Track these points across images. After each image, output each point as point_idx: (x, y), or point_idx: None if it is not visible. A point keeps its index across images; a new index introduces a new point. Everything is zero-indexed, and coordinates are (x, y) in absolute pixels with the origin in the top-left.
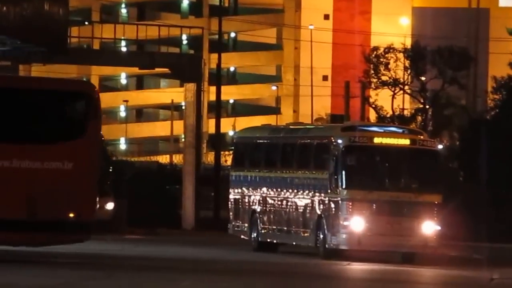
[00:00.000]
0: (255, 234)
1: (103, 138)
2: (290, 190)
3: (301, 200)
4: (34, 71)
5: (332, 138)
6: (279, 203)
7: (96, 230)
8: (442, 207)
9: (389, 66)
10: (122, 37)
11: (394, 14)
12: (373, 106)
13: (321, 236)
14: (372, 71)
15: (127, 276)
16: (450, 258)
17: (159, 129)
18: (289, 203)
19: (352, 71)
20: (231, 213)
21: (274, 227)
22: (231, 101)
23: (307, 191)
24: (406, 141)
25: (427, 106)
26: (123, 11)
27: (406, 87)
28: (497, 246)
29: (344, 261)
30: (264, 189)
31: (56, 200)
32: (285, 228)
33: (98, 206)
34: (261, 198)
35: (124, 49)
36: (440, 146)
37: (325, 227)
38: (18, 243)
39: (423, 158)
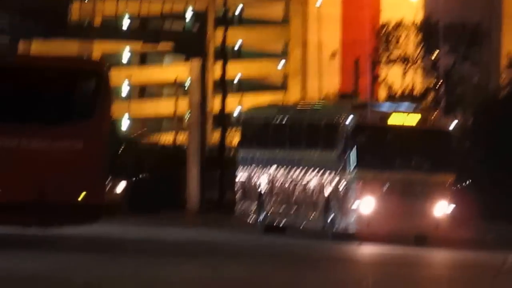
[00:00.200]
0: (262, 216)
1: (113, 118)
2: (298, 171)
3: (310, 181)
4: (34, 48)
5: (341, 116)
6: (287, 184)
7: (105, 212)
8: (455, 188)
9: (400, 42)
10: (125, 13)
11: None
12: (383, 83)
13: (330, 218)
14: (382, 48)
15: (130, 260)
16: (463, 240)
17: (163, 107)
18: (297, 184)
19: (362, 47)
20: (238, 195)
21: (282, 209)
22: (237, 78)
23: (315, 172)
24: (417, 120)
25: (439, 84)
26: None
27: (418, 64)
28: (511, 227)
29: (353, 243)
30: (272, 169)
31: (65, 181)
32: (293, 210)
33: (108, 187)
34: (268, 179)
35: (127, 24)
36: (452, 125)
37: (334, 208)
38: (26, 225)
39: (435, 137)
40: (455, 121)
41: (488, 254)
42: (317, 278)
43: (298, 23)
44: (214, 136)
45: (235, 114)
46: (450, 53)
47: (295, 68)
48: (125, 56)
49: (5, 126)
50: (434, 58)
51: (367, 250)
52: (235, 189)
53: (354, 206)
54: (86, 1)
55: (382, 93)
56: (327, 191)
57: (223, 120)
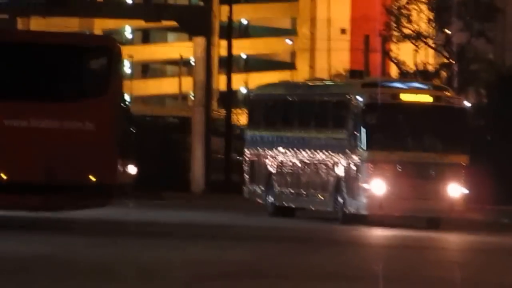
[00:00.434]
0: (271, 198)
1: (125, 96)
2: (308, 151)
3: (319, 161)
4: (33, 24)
5: (351, 95)
6: (296, 164)
7: (118, 193)
8: (469, 169)
9: (412, 19)
10: None
11: None
12: (395, 61)
13: (340, 200)
14: (394, 24)
15: (131, 244)
16: (478, 223)
17: (166, 86)
18: (306, 165)
19: (372, 23)
20: (246, 176)
21: (291, 190)
22: (243, 56)
23: (325, 152)
24: (430, 98)
25: (452, 61)
26: None
27: (430, 41)
28: None
29: (363, 226)
30: (281, 149)
31: (75, 162)
32: (303, 192)
33: (120, 169)
34: (277, 160)
35: (129, 0)
36: (466, 103)
37: (344, 190)
38: (35, 207)
39: (449, 116)
40: (469, 100)
41: (503, 237)
42: (324, 261)
43: None
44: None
45: (242, 93)
46: (463, 30)
47: (304, 45)
48: (127, 33)
49: (13, 105)
50: (447, 35)
51: (378, 233)
52: (244, 169)
53: (365, 188)
54: None
55: (394, 70)
56: (337, 172)
57: (229, 99)
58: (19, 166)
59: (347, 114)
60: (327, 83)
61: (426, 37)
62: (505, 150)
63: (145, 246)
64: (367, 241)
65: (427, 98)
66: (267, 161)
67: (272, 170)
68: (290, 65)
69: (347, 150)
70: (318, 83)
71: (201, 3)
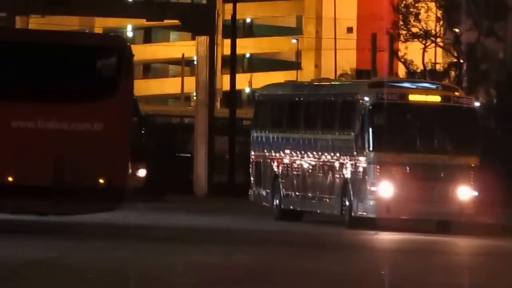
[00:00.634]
0: (277, 201)
1: (135, 97)
2: (314, 153)
3: (326, 163)
4: (32, 23)
5: (358, 95)
6: (303, 166)
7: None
8: (479, 170)
9: (420, 17)
10: None
11: None
12: (402, 60)
13: (347, 203)
14: (401, 22)
15: (131, 248)
16: (489, 226)
17: (169, 86)
18: (313, 167)
19: (380, 22)
20: (252, 178)
21: (298, 193)
22: (247, 55)
23: (332, 154)
24: (439, 98)
25: (462, 60)
26: None
27: (438, 40)
28: None
29: (371, 230)
30: (287, 151)
31: (85, 164)
32: (309, 195)
33: (130, 171)
34: (283, 161)
35: None
36: (476, 104)
37: (351, 193)
38: (43, 211)
39: (458, 117)
40: (479, 100)
41: None
42: (331, 266)
43: None
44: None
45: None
46: (473, 28)
47: (309, 44)
48: (129, 32)
49: (20, 106)
50: (456, 34)
51: (386, 237)
52: (250, 172)
53: (372, 190)
54: None
55: (401, 70)
56: (344, 174)
57: (233, 99)
58: (27, 169)
59: (354, 114)
60: (333, 83)
61: (434, 36)
62: None
63: (147, 250)
64: (375, 245)
65: (435, 98)
66: (273, 162)
67: (279, 172)
68: (295, 65)
69: (354, 152)
70: (324, 83)
71: (204, 1)
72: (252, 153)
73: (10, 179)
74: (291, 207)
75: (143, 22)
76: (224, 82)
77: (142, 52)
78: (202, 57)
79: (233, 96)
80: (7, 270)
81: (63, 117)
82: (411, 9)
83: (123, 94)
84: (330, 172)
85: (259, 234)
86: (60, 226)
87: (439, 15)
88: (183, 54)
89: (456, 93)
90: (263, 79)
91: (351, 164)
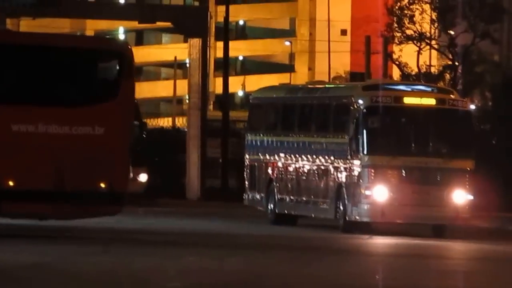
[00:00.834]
0: (272, 205)
1: (136, 101)
2: (308, 156)
3: (320, 167)
4: (23, 25)
5: (352, 98)
6: (297, 170)
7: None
8: (475, 174)
9: (414, 19)
10: None
11: None
12: (397, 62)
13: (341, 207)
14: (396, 25)
15: (124, 252)
16: (484, 231)
17: (161, 89)
18: (307, 171)
19: (374, 24)
20: (246, 182)
21: (292, 197)
22: (240, 57)
23: (326, 157)
24: (434, 101)
25: (457, 63)
26: None
27: (433, 42)
28: None
29: (365, 234)
30: (282, 155)
31: (85, 168)
32: (304, 199)
33: (131, 176)
34: (278, 165)
35: (122, 0)
36: (472, 107)
37: (345, 197)
38: (44, 216)
39: (453, 120)
40: (474, 103)
41: (510, 245)
42: (325, 271)
43: None
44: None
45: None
46: (468, 31)
47: (303, 46)
48: (120, 34)
49: (21, 109)
50: (451, 36)
51: (380, 242)
52: (244, 176)
53: (366, 194)
54: None
55: (396, 72)
56: (338, 178)
57: (226, 102)
58: (27, 173)
59: (348, 117)
60: (327, 86)
61: (429, 38)
62: (511, 155)
63: (139, 255)
64: (369, 250)
65: (431, 101)
66: (267, 166)
67: (273, 175)
68: (288, 67)
69: (348, 155)
70: (318, 86)
71: (197, 4)
72: (247, 156)
73: (10, 183)
74: (286, 211)
75: (135, 24)
76: (217, 85)
77: (134, 55)
78: (195, 60)
79: (226, 99)
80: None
81: (64, 121)
82: (406, 11)
83: (124, 98)
84: (324, 176)
85: (253, 239)
86: (53, 230)
87: (433, 17)
88: (175, 57)
89: (452, 96)
90: (256, 82)
91: (346, 168)
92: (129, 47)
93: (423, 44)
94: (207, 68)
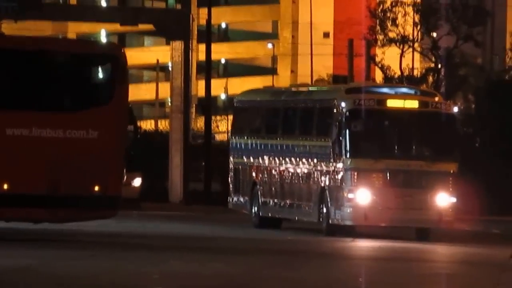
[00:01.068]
0: (256, 209)
1: (130, 105)
2: (292, 160)
3: (303, 170)
4: (5, 28)
5: (335, 101)
6: (281, 173)
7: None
8: (458, 177)
9: (397, 22)
10: None
11: None
12: (380, 65)
13: (324, 210)
14: (378, 27)
15: (108, 256)
16: (467, 234)
17: (143, 92)
18: (291, 174)
19: (356, 27)
20: (231, 185)
21: (276, 200)
22: (223, 60)
23: (309, 160)
24: (418, 104)
25: (439, 66)
26: None
27: (416, 45)
28: None
29: (349, 237)
30: (266, 158)
31: (79, 172)
32: (287, 202)
33: (125, 180)
34: (262, 168)
35: (104, 3)
36: (455, 109)
37: (329, 200)
38: (38, 219)
39: (437, 123)
40: (457, 105)
41: (493, 249)
42: (308, 275)
43: (288, 1)
44: (198, 123)
45: (221, 98)
46: (451, 33)
47: (285, 49)
48: (103, 37)
49: (15, 113)
50: (434, 39)
51: (364, 245)
52: (229, 179)
53: (349, 197)
54: None
55: (378, 75)
56: (321, 181)
57: (208, 105)
58: (22, 177)
59: (331, 120)
60: (311, 89)
61: (412, 41)
62: (494, 158)
63: (121, 259)
64: (352, 253)
65: (414, 104)
66: (251, 169)
67: (257, 179)
68: (271, 70)
69: (331, 158)
70: (302, 88)
71: (179, 7)
72: (231, 159)
73: (4, 187)
74: (270, 214)
75: (117, 27)
76: (199, 88)
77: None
78: (177, 63)
79: (208, 102)
80: None
81: (58, 125)
82: (388, 14)
83: (118, 102)
84: (308, 179)
85: (237, 242)
86: (36, 234)
87: (416, 19)
88: (157, 60)
89: (435, 99)
90: (239, 84)
91: (329, 171)
92: (123, 50)
93: (406, 47)
94: (189, 71)
